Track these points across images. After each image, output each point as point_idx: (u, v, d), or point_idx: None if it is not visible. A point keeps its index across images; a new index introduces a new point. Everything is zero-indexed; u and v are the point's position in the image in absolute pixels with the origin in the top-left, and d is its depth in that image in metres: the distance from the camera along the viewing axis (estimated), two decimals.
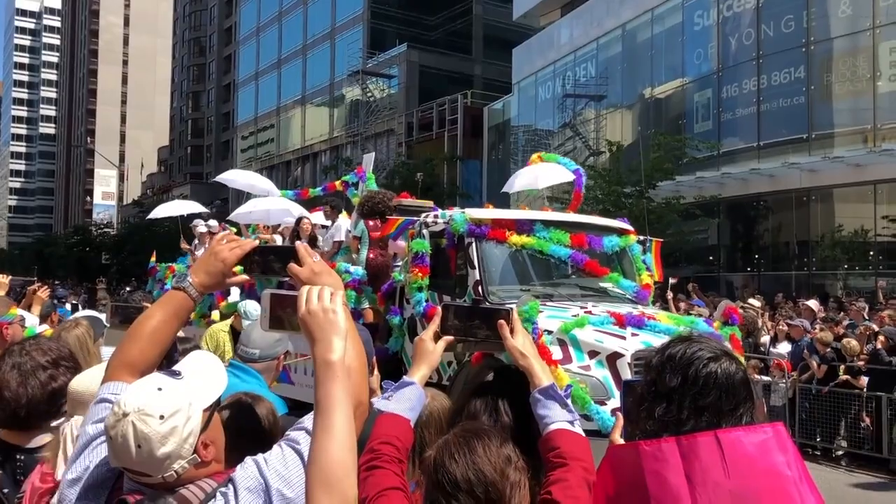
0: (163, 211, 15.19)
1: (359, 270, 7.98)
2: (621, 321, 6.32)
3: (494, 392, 2.13)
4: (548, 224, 7.41)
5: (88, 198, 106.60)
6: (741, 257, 27.11)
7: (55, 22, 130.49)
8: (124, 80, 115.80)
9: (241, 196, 21.54)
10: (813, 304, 14.53)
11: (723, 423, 1.83)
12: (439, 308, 2.17)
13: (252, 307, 6.31)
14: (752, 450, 1.76)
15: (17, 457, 2.53)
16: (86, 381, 2.44)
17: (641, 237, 8.30)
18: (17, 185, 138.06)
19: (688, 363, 1.89)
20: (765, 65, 24.64)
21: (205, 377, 1.79)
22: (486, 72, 46.91)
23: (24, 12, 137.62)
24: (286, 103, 58.15)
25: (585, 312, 6.53)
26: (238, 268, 1.97)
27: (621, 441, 2.17)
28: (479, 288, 7.00)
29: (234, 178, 13.91)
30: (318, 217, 10.73)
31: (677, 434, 1.81)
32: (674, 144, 24.18)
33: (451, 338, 2.12)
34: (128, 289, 36.85)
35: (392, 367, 6.86)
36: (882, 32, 21.91)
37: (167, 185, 74.43)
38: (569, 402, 2.03)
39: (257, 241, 2.05)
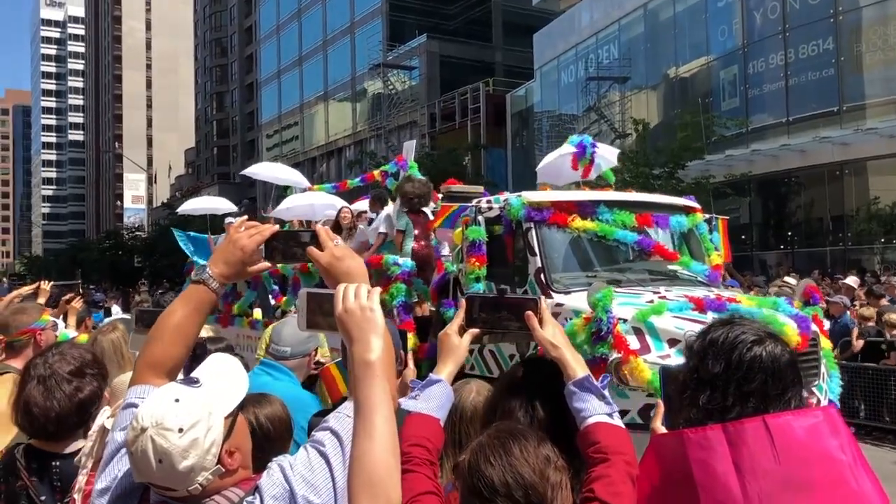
0: (192, 205, 15.10)
1: (408, 262, 7.67)
2: (701, 306, 5.90)
3: (527, 387, 2.04)
4: (611, 205, 6.94)
5: (119, 202, 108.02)
6: (774, 235, 26.73)
7: (79, 30, 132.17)
8: (148, 84, 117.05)
9: (269, 193, 21.64)
10: (852, 280, 14.26)
11: (770, 408, 1.77)
12: (463, 300, 2.09)
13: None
14: (802, 434, 1.70)
15: (53, 464, 2.49)
16: (121, 384, 2.43)
17: (707, 215, 7.90)
18: (49, 192, 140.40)
19: (731, 347, 1.83)
20: (791, 38, 24.22)
21: (225, 382, 1.72)
22: (506, 59, 46.68)
23: (48, 22, 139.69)
24: (309, 100, 58.38)
25: (660, 298, 6.13)
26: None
27: (663, 430, 2.10)
28: (542, 276, 6.60)
29: (259, 171, 13.86)
30: (362, 206, 10.46)
31: (722, 421, 1.75)
32: (702, 123, 23.88)
33: (476, 330, 2.04)
34: (159, 291, 37.22)
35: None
36: None
37: (195, 187, 75.12)
38: (606, 392, 1.94)
39: (277, 226, 1.97)
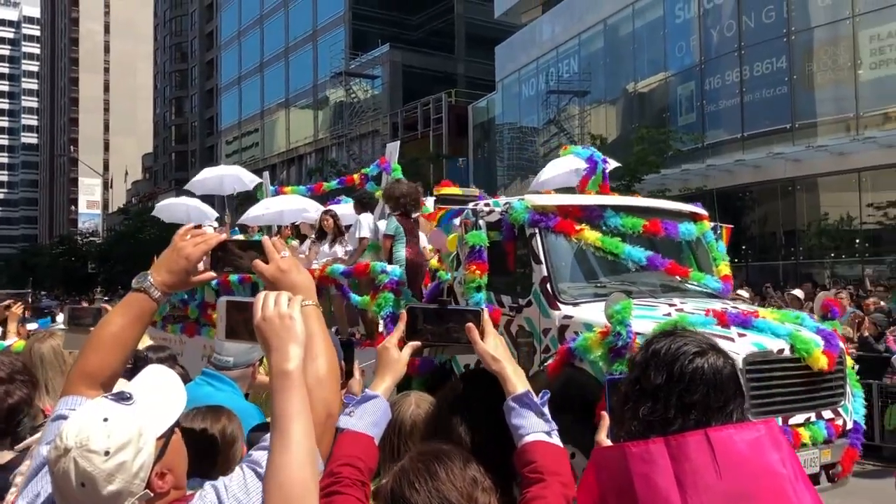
0: (166, 211, 14.23)
1: (396, 270, 7.21)
2: (724, 320, 5.48)
3: (468, 402, 1.96)
4: (618, 209, 6.51)
5: (73, 207, 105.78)
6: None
7: (34, 31, 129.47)
8: (106, 88, 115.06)
9: (226, 199, 21.28)
10: (798, 292, 14.55)
11: (712, 420, 1.76)
12: (404, 312, 2.01)
13: None
14: (744, 448, 1.69)
15: None
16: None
17: (712, 223, 7.55)
18: (1, 195, 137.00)
19: (673, 359, 1.82)
20: (747, 56, 24.72)
21: (159, 397, 1.62)
22: (469, 70, 46.91)
23: (2, 21, 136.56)
24: (270, 107, 58.01)
25: (676, 311, 5.74)
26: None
27: (608, 442, 2.09)
28: (548, 286, 6.11)
29: (203, 177, 13.26)
30: (344, 209, 10.02)
31: (664, 434, 1.74)
32: (658, 138, 24.22)
33: (417, 343, 1.96)
34: (105, 298, 36.48)
35: (440, 380, 6.05)
36: (861, 21, 22.02)
37: (152, 192, 73.99)
38: (545, 409, 1.86)
39: (223, 236, 1.91)
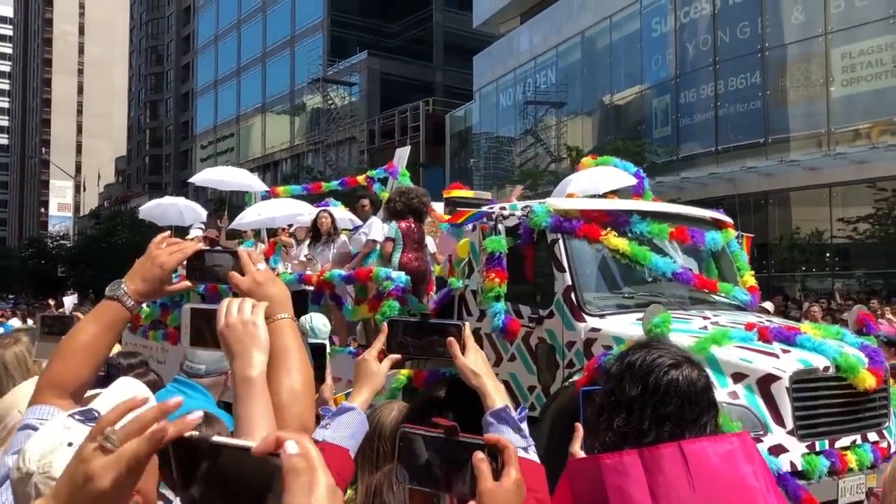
0: (157, 213, 13.57)
1: (402, 277, 6.90)
2: (766, 335, 5.11)
3: (437, 410, 1.90)
4: (644, 215, 6.11)
5: (43, 209, 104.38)
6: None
7: (6, 30, 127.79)
8: (80, 90, 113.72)
9: (207, 202, 21.07)
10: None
11: (686, 433, 1.77)
12: (385, 324, 1.95)
13: (319, 322, 5.40)
14: (717, 461, 1.70)
15: None
16: (7, 402, 2.28)
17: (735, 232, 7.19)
18: None
19: (648, 371, 1.82)
20: (721, 70, 24.99)
21: (129, 415, 1.55)
22: (447, 79, 46.99)
23: None
24: (246, 112, 57.59)
25: (712, 324, 5.34)
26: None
27: (582, 454, 2.07)
28: (573, 296, 5.72)
29: (209, 176, 12.68)
30: (340, 212, 9.67)
31: (639, 446, 1.74)
32: (633, 150, 24.44)
33: (397, 356, 1.91)
34: (75, 303, 35.81)
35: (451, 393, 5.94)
36: (833, 38, 22.36)
37: (125, 196, 73.24)
38: (523, 425, 1.83)
39: (199, 245, 1.87)
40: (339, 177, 10.43)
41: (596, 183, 7.33)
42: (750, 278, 6.71)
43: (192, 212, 12.14)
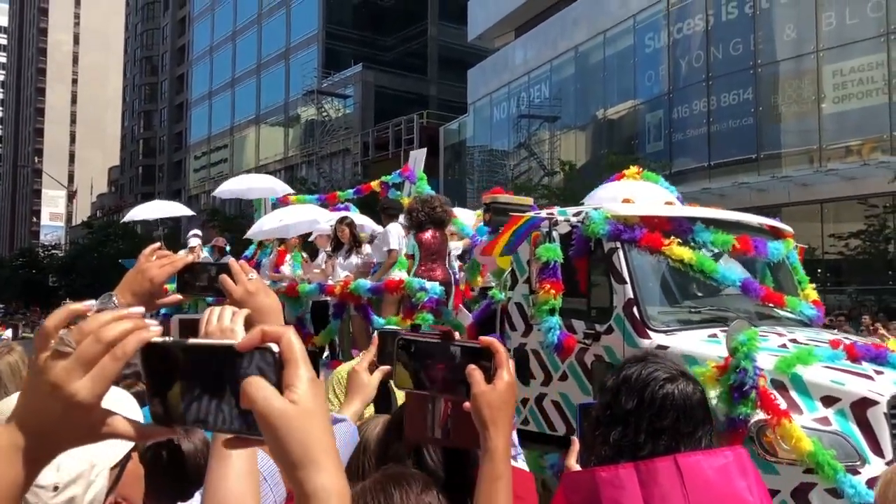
0: (141, 212, 13.57)
1: (436, 288, 6.49)
2: (854, 354, 4.67)
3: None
4: (708, 223, 5.60)
5: (35, 219, 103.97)
6: None
7: (0, 39, 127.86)
8: (74, 99, 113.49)
9: (193, 218, 20.95)
10: None
11: (681, 446, 1.77)
12: (376, 335, 1.92)
13: None
14: (712, 475, 1.70)
15: None
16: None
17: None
18: None
19: (644, 384, 1.83)
20: (714, 86, 25.12)
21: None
22: (441, 92, 47.06)
23: None
24: (240, 123, 57.41)
25: (791, 342, 4.85)
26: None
27: (577, 467, 2.09)
28: (635, 310, 5.23)
29: (233, 187, 12.31)
30: (363, 219, 9.38)
31: (634, 459, 1.74)
32: (626, 165, 24.52)
33: (388, 368, 1.86)
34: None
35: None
36: (825, 56, 22.51)
37: (118, 206, 73.00)
38: (511, 434, 1.77)
39: (190, 257, 1.85)
40: (333, 189, 10.24)
41: (633, 196, 6.64)
42: (812, 292, 6.13)
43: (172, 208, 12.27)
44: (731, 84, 24.59)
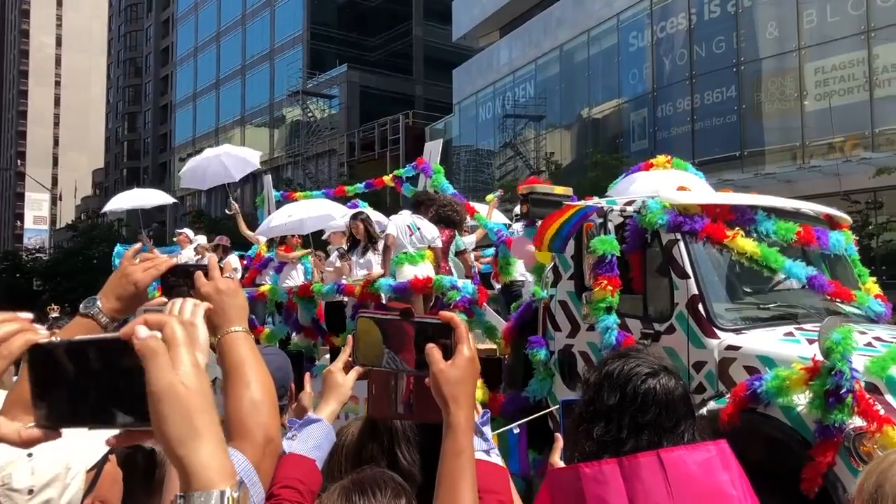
0: (120, 202, 13.15)
1: (469, 286, 6.08)
2: None
3: (389, 430, 1.83)
4: (769, 212, 5.16)
5: (19, 222, 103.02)
6: None
7: None
8: (57, 102, 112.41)
9: (178, 218, 20.80)
10: None
11: (664, 441, 1.76)
12: (350, 337, 1.76)
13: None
14: (695, 469, 1.70)
15: None
16: None
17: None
18: None
19: (626, 380, 1.83)
20: (698, 84, 25.19)
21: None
22: (427, 92, 46.96)
23: None
24: (225, 124, 56.93)
25: (875, 339, 4.45)
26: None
27: (561, 464, 2.09)
28: (701, 307, 4.77)
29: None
30: (377, 215, 8.92)
31: (617, 454, 1.74)
32: (611, 163, 24.63)
33: (360, 368, 1.81)
34: (53, 316, 35.22)
35: (536, 421, 4.97)
36: (807, 53, 22.60)
37: (102, 209, 72.48)
38: (485, 429, 1.79)
39: (173, 260, 1.83)
40: (318, 189, 10.00)
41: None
42: (874, 286, 5.65)
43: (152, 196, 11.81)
44: (715, 82, 24.68)
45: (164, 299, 1.73)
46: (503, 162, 33.58)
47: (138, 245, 1.84)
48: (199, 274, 1.64)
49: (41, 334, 0.92)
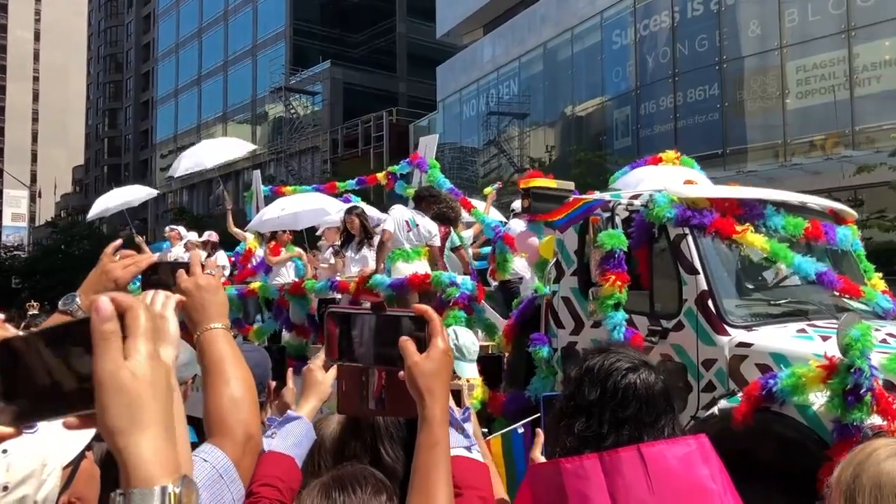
0: (104, 204, 12.71)
1: (468, 283, 5.90)
2: None
3: (372, 427, 1.83)
4: (778, 206, 5.08)
5: None
6: None
7: None
8: (35, 97, 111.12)
9: (160, 215, 20.65)
10: None
11: (644, 435, 1.77)
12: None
13: (468, 339, 4.20)
14: (675, 464, 1.70)
15: None
16: None
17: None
18: None
19: (606, 375, 1.84)
20: (680, 82, 25.30)
21: None
22: (410, 89, 46.85)
23: None
24: (207, 120, 56.45)
25: (888, 335, 4.37)
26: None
27: (542, 459, 2.10)
28: (711, 303, 4.68)
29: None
30: (371, 210, 8.75)
31: (598, 449, 1.74)
32: (595, 161, 24.73)
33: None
34: (31, 313, 34.84)
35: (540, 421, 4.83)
36: (789, 52, 22.76)
37: (83, 206, 71.88)
38: (466, 426, 1.82)
39: (155, 256, 1.81)
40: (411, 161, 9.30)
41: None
42: (880, 282, 5.56)
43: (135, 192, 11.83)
44: (697, 80, 24.80)
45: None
46: (487, 159, 33.60)
47: (118, 242, 1.80)
48: (181, 271, 1.63)
49: (12, 332, 0.88)
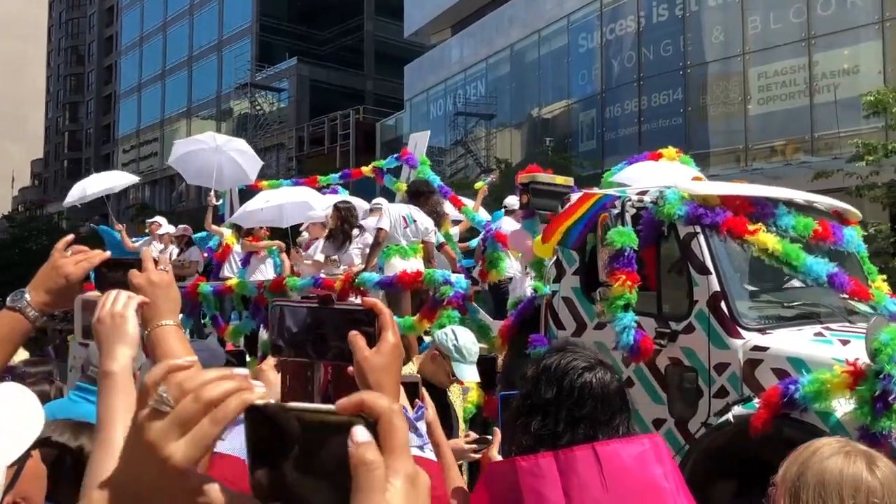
0: (80, 191, 12.15)
1: (462, 281, 5.73)
2: None
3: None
4: (789, 206, 4.95)
5: None
6: None
7: None
8: None
9: (121, 211, 20.32)
10: None
11: (599, 434, 1.78)
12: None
13: (467, 340, 3.84)
14: (629, 462, 1.72)
15: None
16: None
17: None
18: None
19: (563, 374, 1.85)
20: (645, 86, 25.57)
21: (11, 423, 1.45)
22: (377, 88, 46.64)
23: None
24: (170, 116, 55.60)
25: None
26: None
27: (499, 458, 2.11)
28: (723, 305, 4.51)
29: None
30: (358, 202, 8.41)
31: (554, 448, 1.75)
32: (560, 163, 24.93)
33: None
34: None
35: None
36: (751, 58, 23.11)
37: (41, 200, 70.42)
38: (420, 424, 1.82)
39: (107, 253, 1.75)
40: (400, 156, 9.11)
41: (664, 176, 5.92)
42: (883, 284, 5.40)
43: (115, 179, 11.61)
44: (662, 84, 25.08)
45: (98, 293, 1.68)
46: (454, 160, 33.61)
47: (70, 237, 1.74)
48: (133, 270, 1.60)
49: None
